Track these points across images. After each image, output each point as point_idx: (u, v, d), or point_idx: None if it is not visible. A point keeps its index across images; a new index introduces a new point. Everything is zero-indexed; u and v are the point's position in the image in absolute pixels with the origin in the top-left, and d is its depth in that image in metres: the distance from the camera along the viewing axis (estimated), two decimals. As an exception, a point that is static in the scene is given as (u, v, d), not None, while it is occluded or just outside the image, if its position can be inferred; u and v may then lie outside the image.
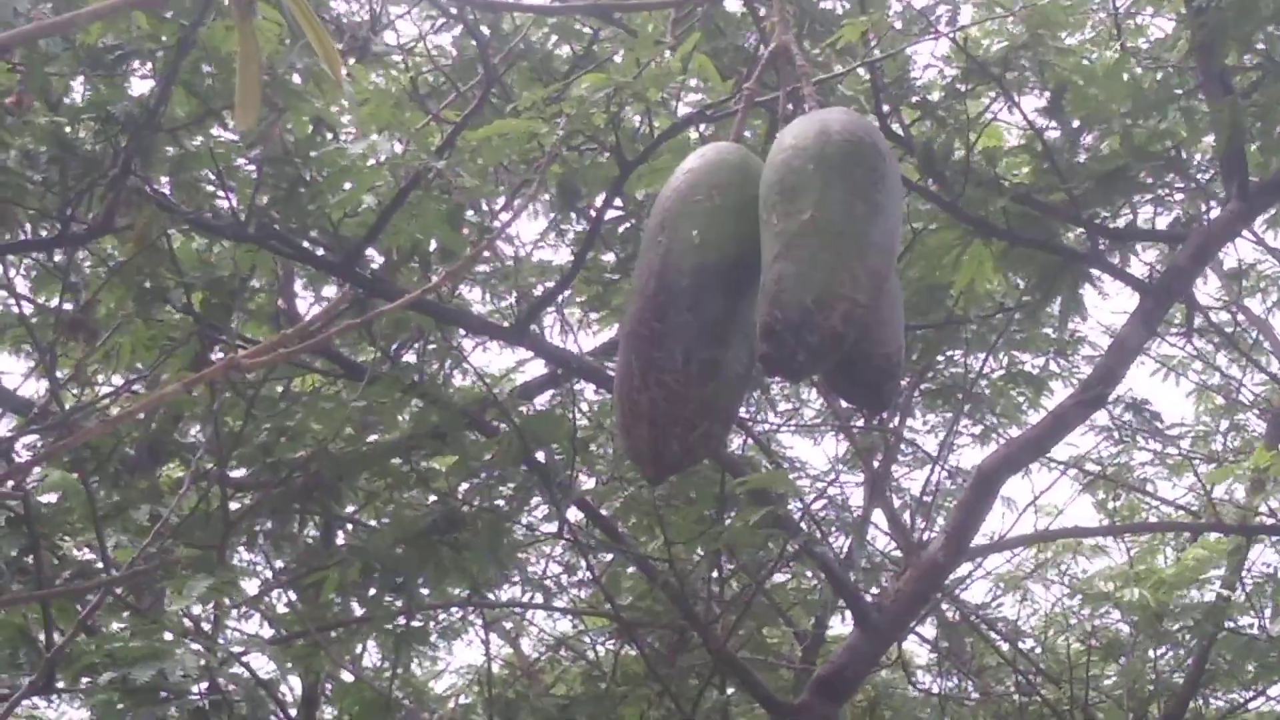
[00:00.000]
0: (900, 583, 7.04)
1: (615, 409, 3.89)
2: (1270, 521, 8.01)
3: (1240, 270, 9.74)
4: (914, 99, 6.93)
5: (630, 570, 7.99)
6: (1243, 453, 10.31)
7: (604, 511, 7.43)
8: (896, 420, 8.49)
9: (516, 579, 7.64)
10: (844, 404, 7.52)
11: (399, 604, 6.71)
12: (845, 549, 8.17)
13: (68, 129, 5.84)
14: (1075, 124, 6.98)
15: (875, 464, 8.45)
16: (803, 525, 7.44)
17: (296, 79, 5.94)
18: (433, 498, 6.97)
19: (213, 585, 5.92)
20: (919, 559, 6.94)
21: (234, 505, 6.72)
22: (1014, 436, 7.77)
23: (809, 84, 4.01)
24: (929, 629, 9.42)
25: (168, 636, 5.57)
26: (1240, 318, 10.16)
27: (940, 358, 8.36)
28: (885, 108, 6.84)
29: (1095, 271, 7.16)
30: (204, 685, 5.79)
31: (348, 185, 6.03)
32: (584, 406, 7.55)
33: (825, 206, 3.59)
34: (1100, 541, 9.95)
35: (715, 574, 7.70)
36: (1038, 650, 9.85)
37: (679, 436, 3.77)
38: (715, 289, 3.74)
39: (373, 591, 6.69)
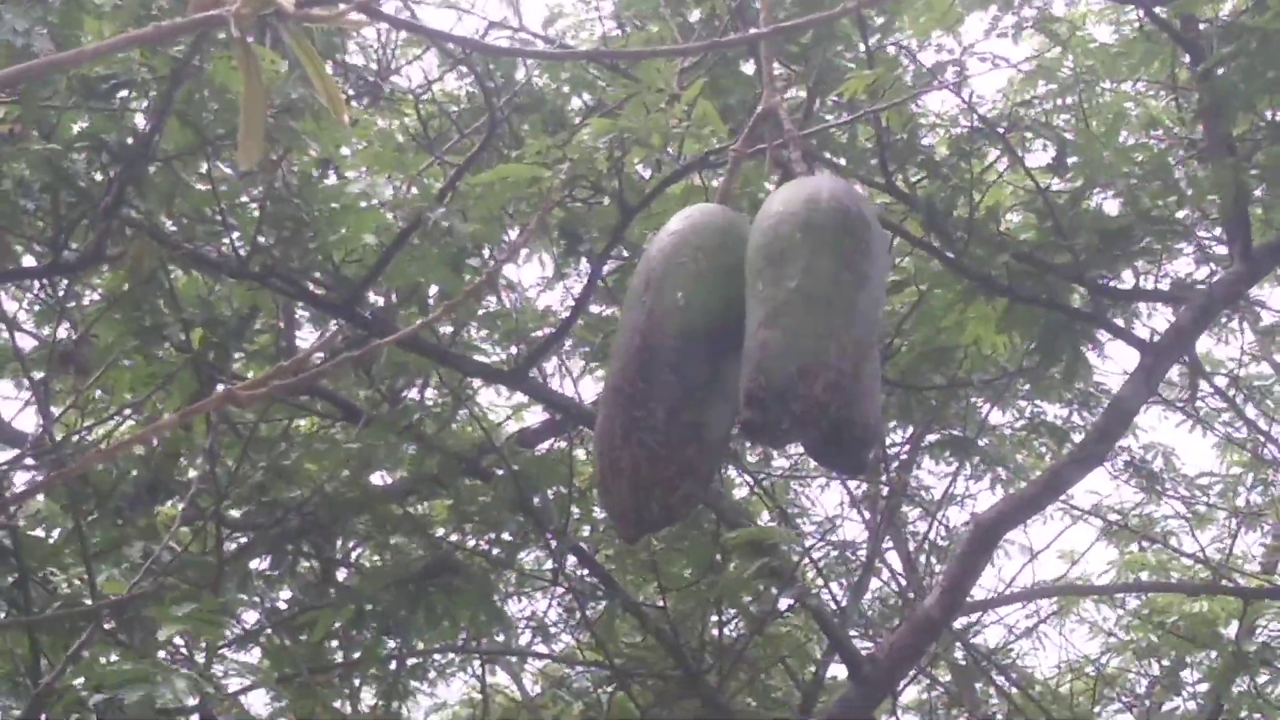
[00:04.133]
0: (894, 635, 7.03)
1: (595, 466, 3.90)
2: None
3: (1276, 328, 9.67)
4: (920, 158, 6.94)
5: (625, 617, 7.96)
6: (1267, 509, 10.28)
7: (602, 557, 7.44)
8: (901, 469, 8.46)
9: (518, 619, 7.67)
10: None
11: (391, 645, 6.72)
12: (846, 597, 8.14)
13: (64, 162, 5.85)
14: (1079, 183, 6.98)
15: (879, 511, 8.42)
16: (800, 574, 7.41)
17: (295, 119, 5.94)
18: (428, 543, 6.97)
19: (198, 610, 5.91)
20: (914, 612, 6.93)
21: (229, 545, 6.73)
22: (1012, 493, 7.75)
23: (796, 147, 4.02)
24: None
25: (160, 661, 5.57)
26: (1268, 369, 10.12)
27: (948, 408, 8.32)
28: (890, 166, 6.85)
29: (1098, 332, 7.14)
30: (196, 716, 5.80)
31: (346, 226, 6.05)
32: (582, 454, 7.54)
33: (812, 275, 3.60)
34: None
35: (711, 621, 7.69)
36: (1049, 699, 9.79)
37: (659, 497, 3.78)
38: (699, 351, 3.75)
39: (366, 635, 6.70)
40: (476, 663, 8.46)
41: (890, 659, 6.85)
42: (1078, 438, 8.70)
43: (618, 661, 7.72)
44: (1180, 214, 7.12)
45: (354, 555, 7.63)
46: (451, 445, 6.98)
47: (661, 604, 7.33)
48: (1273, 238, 6.84)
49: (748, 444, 7.53)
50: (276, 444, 6.88)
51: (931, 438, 8.51)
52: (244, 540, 6.91)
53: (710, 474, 3.94)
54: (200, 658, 6.61)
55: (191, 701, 5.19)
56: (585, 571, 7.47)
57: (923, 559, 8.56)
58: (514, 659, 8.84)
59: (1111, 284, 7.16)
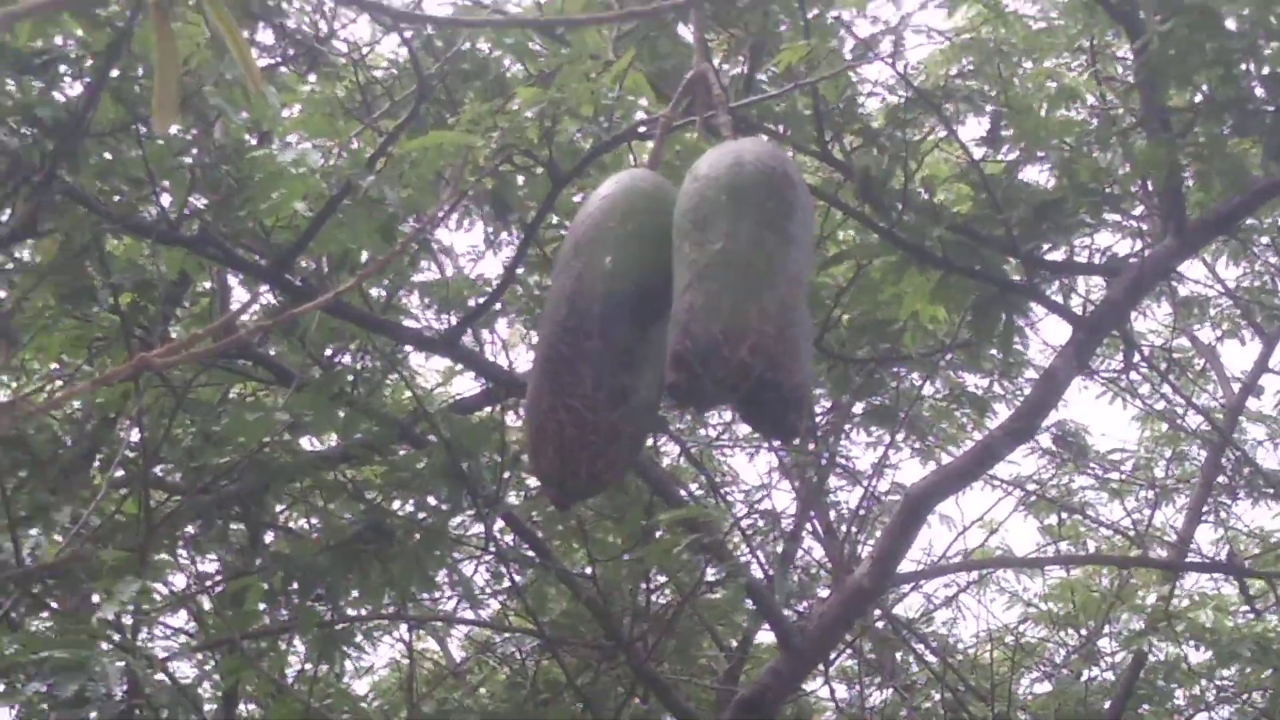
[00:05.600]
0: (824, 606, 7.04)
1: (525, 431, 3.90)
2: (1200, 560, 8.05)
3: (1191, 300, 9.80)
4: (856, 126, 6.94)
5: (555, 584, 7.97)
6: (1184, 481, 10.39)
7: (532, 524, 7.43)
8: (830, 439, 8.50)
9: (444, 583, 7.65)
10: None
11: (323, 609, 6.68)
12: (771, 565, 8.16)
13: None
14: (1013, 154, 7.01)
15: (809, 479, 8.45)
16: (731, 543, 7.43)
17: (223, 94, 5.91)
18: (360, 508, 6.94)
19: (142, 590, 5.89)
20: (844, 583, 6.93)
21: (159, 510, 6.68)
22: (943, 465, 7.78)
23: (725, 112, 4.03)
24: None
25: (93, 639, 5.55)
26: (1186, 343, 10.23)
27: (882, 383, 8.36)
28: (827, 135, 6.85)
29: (1029, 305, 7.17)
30: (125, 689, 5.78)
31: (276, 193, 6.01)
32: (514, 420, 7.54)
33: (736, 237, 3.60)
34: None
35: (640, 590, 7.70)
36: (968, 667, 9.89)
37: (586, 462, 3.77)
38: (627, 316, 3.75)
39: (297, 600, 6.66)
40: (404, 628, 8.46)
41: (820, 629, 6.86)
42: (1000, 408, 8.77)
43: (547, 629, 7.72)
44: (1113, 190, 7.15)
45: (284, 520, 7.60)
46: (383, 411, 6.96)
47: (590, 572, 7.32)
48: (1206, 213, 6.87)
49: (676, 410, 7.54)
50: (213, 407, 6.83)
51: (859, 407, 8.54)
52: (173, 505, 6.86)
53: (639, 439, 3.94)
54: (128, 621, 6.58)
55: (121, 689, 5.19)
56: (515, 539, 7.47)
57: (843, 529, 8.60)
58: (439, 625, 8.84)
59: (1045, 257, 7.19)
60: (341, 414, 6.77)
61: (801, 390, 3.87)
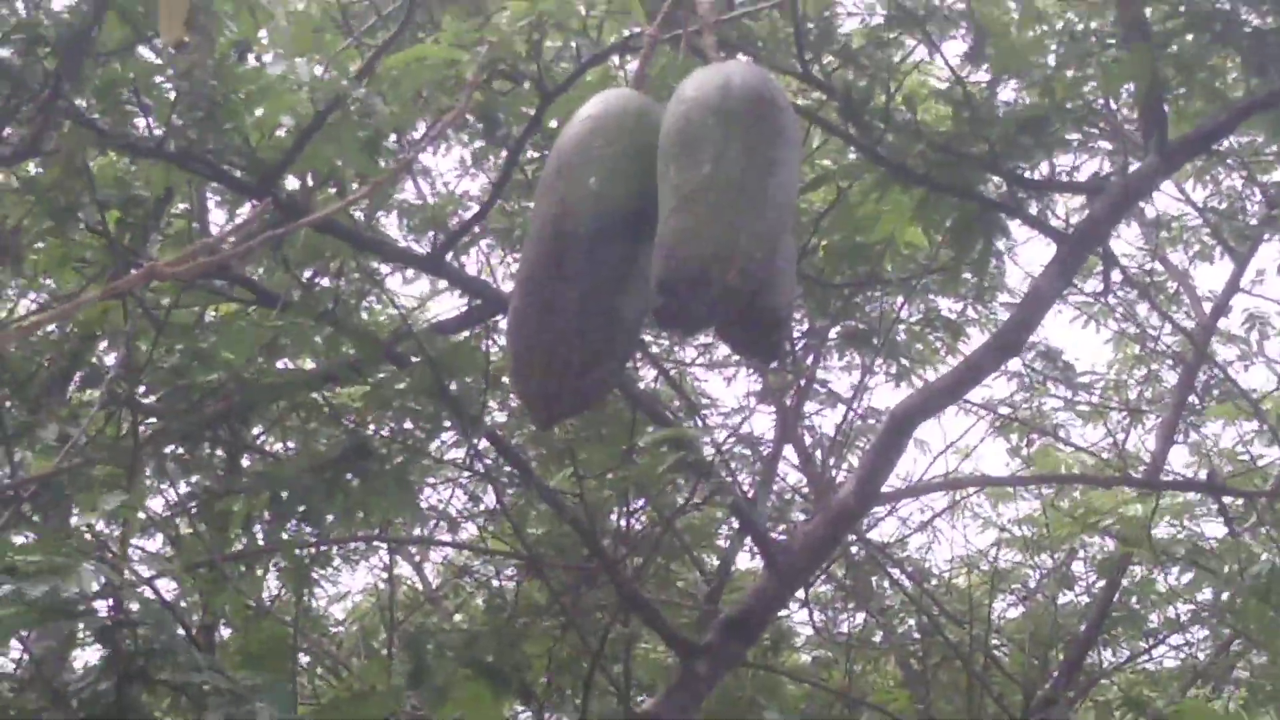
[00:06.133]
0: (810, 526, 7.05)
1: (509, 353, 3.91)
2: (1178, 478, 8.08)
3: (1160, 220, 9.82)
4: (836, 46, 6.91)
5: (538, 505, 7.98)
6: (1155, 403, 10.45)
7: (514, 443, 7.44)
8: (810, 360, 8.51)
9: (423, 506, 7.66)
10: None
11: (305, 532, 6.70)
12: (752, 488, 8.20)
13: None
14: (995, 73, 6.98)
15: (787, 402, 8.48)
16: (714, 463, 7.45)
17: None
18: (343, 430, 6.93)
19: (125, 503, 5.90)
20: (829, 502, 6.95)
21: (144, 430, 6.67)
22: (928, 382, 7.78)
23: (711, 31, 4.02)
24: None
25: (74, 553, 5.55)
26: (1159, 267, 10.26)
27: (860, 307, 8.36)
28: (807, 55, 6.83)
29: (1009, 225, 7.16)
30: (109, 603, 5.79)
31: (261, 110, 5.99)
32: (499, 341, 7.53)
33: (724, 161, 3.61)
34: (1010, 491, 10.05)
35: (624, 511, 7.73)
36: (943, 591, 9.96)
37: (572, 383, 3.79)
38: (612, 237, 3.76)
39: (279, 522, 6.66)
40: (383, 552, 8.48)
41: (806, 549, 6.88)
42: (974, 333, 8.79)
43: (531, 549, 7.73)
44: (1094, 105, 7.13)
45: (266, 442, 7.59)
46: (366, 331, 6.95)
47: (579, 494, 7.32)
48: (1188, 131, 6.84)
49: (656, 334, 7.54)
50: (191, 329, 6.82)
51: (835, 331, 8.55)
52: (158, 426, 6.86)
53: (624, 359, 3.97)
54: (113, 545, 6.61)
55: (95, 587, 5.18)
56: (494, 459, 7.46)
57: (818, 453, 8.65)
58: (415, 549, 8.85)
59: (1027, 175, 7.17)
60: (319, 339, 6.77)
61: (785, 313, 3.91)
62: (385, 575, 8.71)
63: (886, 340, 8.22)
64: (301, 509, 6.47)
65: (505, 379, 7.15)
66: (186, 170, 6.36)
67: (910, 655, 9.52)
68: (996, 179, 6.95)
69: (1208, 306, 10.00)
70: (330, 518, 6.59)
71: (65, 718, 5.57)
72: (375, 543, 8.06)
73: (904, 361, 8.58)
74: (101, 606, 5.60)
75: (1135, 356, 10.62)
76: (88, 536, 6.35)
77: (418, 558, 9.37)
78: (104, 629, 5.78)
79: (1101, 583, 9.60)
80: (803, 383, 8.38)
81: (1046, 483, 9.38)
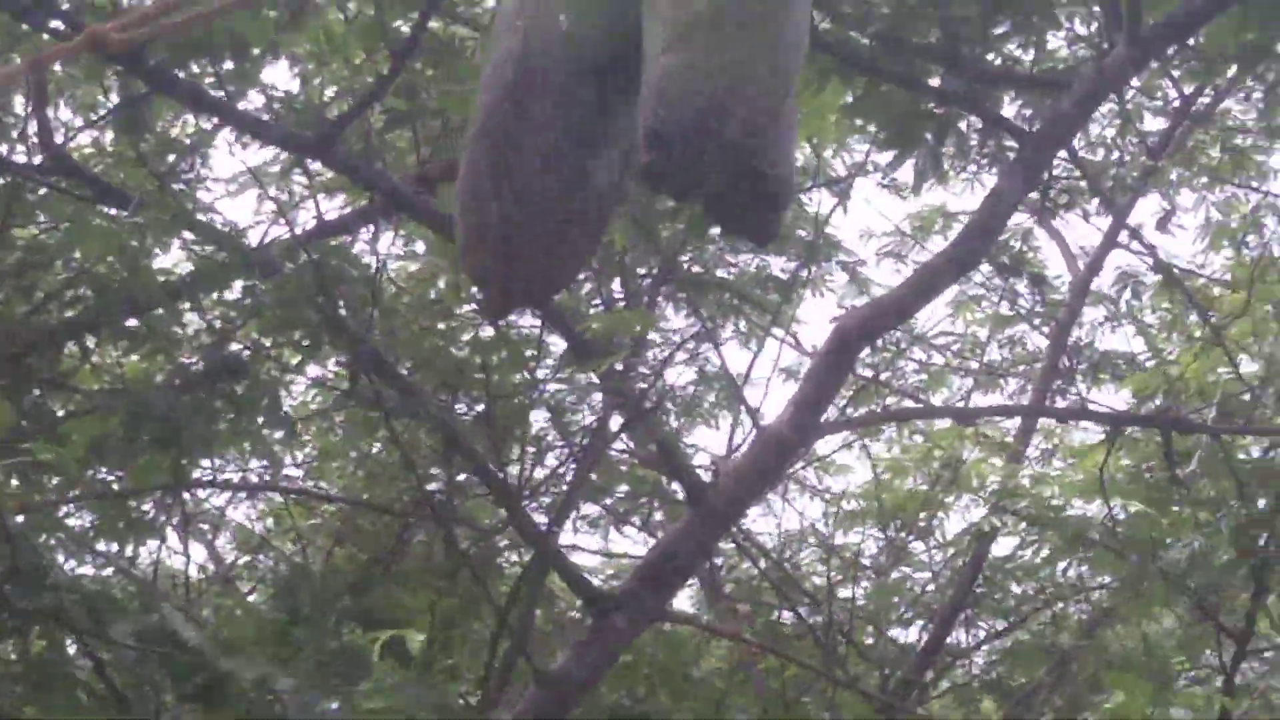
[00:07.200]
0: (739, 459, 6.32)
1: (458, 223, 3.25)
2: (1140, 413, 7.60)
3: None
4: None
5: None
6: (1019, 363, 10.02)
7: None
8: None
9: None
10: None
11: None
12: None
13: None
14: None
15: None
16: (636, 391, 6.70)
17: None
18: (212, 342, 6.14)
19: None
20: (761, 432, 6.21)
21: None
22: (877, 297, 7.11)
23: None
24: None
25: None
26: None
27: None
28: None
29: (958, 123, 6.54)
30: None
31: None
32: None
33: (726, -11, 2.99)
34: (849, 460, 9.47)
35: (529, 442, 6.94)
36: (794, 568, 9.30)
37: (534, 257, 3.17)
38: (585, 82, 3.17)
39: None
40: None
41: (735, 485, 6.10)
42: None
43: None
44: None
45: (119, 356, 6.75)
46: (229, 234, 6.14)
47: (485, 409, 6.43)
48: (1162, 18, 6.26)
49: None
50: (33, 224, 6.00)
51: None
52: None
53: (596, 233, 3.31)
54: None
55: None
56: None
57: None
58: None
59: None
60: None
61: (786, 185, 3.27)
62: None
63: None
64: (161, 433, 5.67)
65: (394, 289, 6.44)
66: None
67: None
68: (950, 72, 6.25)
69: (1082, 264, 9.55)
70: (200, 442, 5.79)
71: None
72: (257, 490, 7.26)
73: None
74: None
75: (1002, 317, 10.11)
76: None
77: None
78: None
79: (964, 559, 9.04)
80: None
81: (1006, 415, 8.86)
